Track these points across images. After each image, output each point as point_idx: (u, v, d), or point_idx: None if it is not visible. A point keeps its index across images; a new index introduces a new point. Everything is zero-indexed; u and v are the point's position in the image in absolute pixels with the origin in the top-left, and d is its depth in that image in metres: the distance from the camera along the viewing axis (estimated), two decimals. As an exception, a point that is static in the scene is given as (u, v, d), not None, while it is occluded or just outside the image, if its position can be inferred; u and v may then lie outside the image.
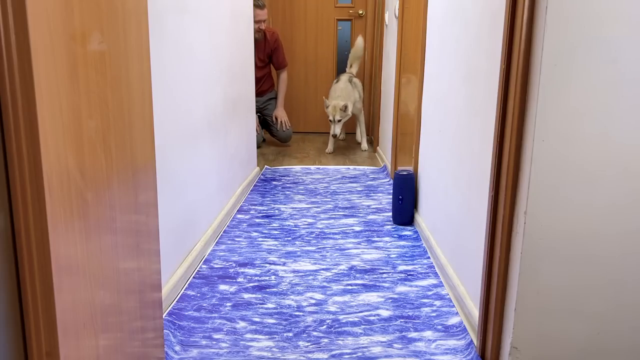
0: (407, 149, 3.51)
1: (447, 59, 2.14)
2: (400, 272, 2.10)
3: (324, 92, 5.14)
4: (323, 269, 2.12)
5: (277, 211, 2.91)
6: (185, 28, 1.97)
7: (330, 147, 4.57)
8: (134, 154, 1.10)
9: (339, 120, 4.30)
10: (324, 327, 1.68)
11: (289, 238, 2.48)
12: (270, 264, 2.17)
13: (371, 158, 4.43)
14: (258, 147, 4.70)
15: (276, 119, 4.72)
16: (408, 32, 3.37)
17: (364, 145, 4.71)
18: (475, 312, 1.61)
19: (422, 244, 2.41)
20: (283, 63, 4.78)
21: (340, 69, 5.39)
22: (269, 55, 4.72)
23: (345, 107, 4.27)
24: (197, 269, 2.11)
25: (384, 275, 2.07)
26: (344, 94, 4.38)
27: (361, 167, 4.05)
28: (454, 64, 2.01)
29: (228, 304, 1.82)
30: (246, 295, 1.88)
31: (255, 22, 4.22)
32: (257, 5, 4.19)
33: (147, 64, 1.14)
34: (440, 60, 2.26)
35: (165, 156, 1.77)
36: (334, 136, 4.37)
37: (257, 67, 4.47)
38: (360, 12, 5.32)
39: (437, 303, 1.84)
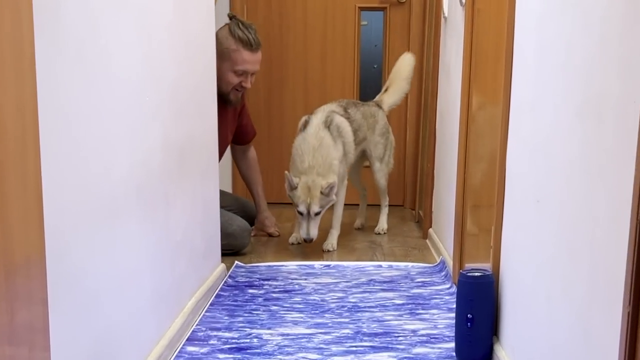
0: (482, 232, 2.35)
1: (550, 76, 1.61)
2: None
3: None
4: None
5: (256, 340, 1.89)
6: (96, 22, 1.29)
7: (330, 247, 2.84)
8: (7, 243, 0.79)
9: (317, 214, 2.63)
10: None
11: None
12: None
13: (419, 248, 3.00)
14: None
15: (264, 223, 3.08)
16: (483, 30, 2.55)
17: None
18: None
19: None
20: (253, 131, 3.06)
21: (366, 95, 3.48)
22: (232, 132, 2.92)
23: (330, 187, 2.62)
24: None
25: None
26: (319, 156, 2.66)
27: (402, 264, 2.71)
28: (563, 85, 1.50)
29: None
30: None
31: (238, 73, 2.62)
32: (246, 44, 2.61)
33: (29, 84, 0.82)
34: (539, 80, 1.70)
35: (64, 245, 1.15)
36: (309, 241, 2.66)
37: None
38: (401, -6, 3.51)
39: None
